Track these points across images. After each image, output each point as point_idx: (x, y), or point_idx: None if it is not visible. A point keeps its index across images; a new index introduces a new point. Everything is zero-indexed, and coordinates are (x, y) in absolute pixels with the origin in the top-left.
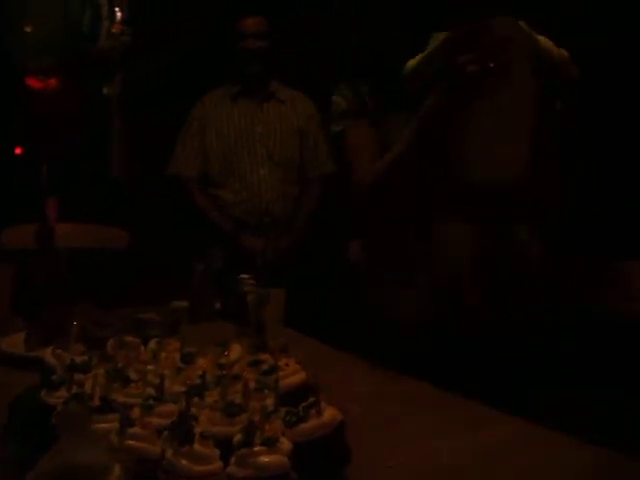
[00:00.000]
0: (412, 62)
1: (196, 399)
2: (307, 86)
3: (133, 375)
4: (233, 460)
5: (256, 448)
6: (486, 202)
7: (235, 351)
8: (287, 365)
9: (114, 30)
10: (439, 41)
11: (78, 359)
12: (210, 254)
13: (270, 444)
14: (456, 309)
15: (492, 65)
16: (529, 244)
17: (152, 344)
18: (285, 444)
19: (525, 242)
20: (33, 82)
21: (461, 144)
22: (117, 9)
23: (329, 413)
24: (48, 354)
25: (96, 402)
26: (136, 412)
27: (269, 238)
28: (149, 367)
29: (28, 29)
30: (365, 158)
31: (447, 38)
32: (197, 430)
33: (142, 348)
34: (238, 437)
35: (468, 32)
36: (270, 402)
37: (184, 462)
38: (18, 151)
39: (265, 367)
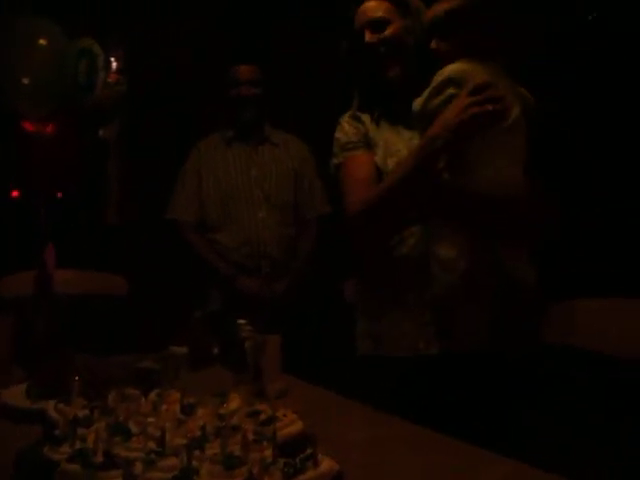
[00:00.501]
0: (419, 100)
1: (197, 452)
2: (301, 129)
3: (134, 428)
4: None
5: None
6: (484, 216)
7: (234, 401)
8: (285, 415)
9: (110, 80)
10: (443, 77)
11: (80, 413)
12: (208, 297)
13: None
14: (452, 324)
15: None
16: (522, 267)
17: (152, 396)
18: None
19: (518, 265)
20: (30, 128)
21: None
22: (113, 59)
23: (326, 464)
24: (51, 408)
25: (99, 458)
26: (138, 467)
27: (267, 280)
28: (150, 419)
29: (26, 80)
30: (361, 188)
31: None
32: None
33: (143, 400)
34: None
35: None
36: (268, 453)
37: None
38: (15, 194)
39: (263, 417)
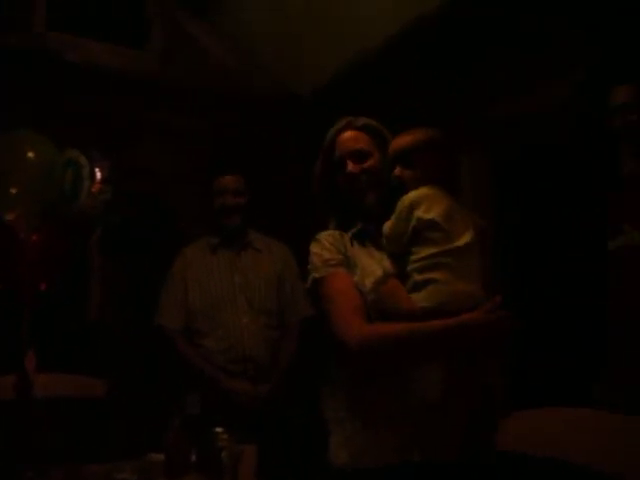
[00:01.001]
0: (388, 224)
1: None
2: (283, 234)
3: None
4: None
5: None
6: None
7: None
8: None
9: (94, 190)
10: (407, 203)
11: None
12: (187, 401)
13: None
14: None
15: None
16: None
17: None
18: None
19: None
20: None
21: None
22: (97, 169)
23: None
24: None
25: None
26: None
27: (252, 383)
28: None
29: (13, 190)
30: (355, 314)
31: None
32: None
33: None
34: None
35: None
36: None
37: None
38: None
39: None
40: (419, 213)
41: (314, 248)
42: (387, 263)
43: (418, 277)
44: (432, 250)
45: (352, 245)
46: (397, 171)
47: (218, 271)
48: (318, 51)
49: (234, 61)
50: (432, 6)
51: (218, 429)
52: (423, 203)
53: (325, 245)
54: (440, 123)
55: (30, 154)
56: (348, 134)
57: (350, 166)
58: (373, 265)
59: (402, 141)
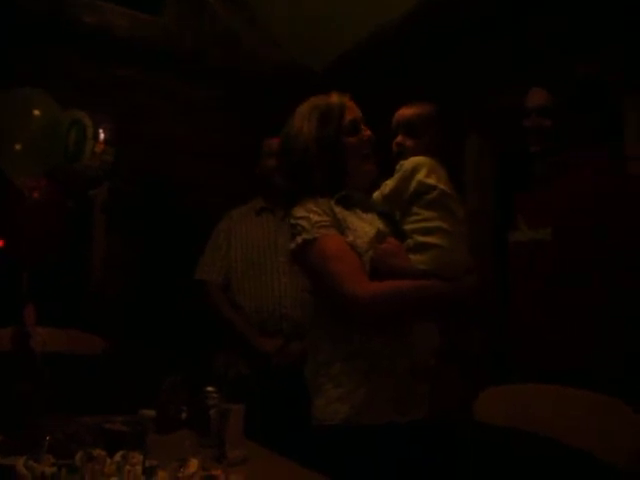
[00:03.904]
0: (390, 183)
1: None
2: None
3: None
4: None
5: None
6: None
7: (191, 466)
8: None
9: (97, 150)
10: (411, 165)
11: (48, 471)
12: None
13: None
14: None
15: None
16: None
17: (117, 457)
18: None
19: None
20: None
21: None
22: (101, 130)
23: None
24: (20, 465)
25: None
26: None
27: (286, 342)
28: (113, 479)
29: (18, 147)
30: (357, 271)
31: None
32: None
33: (108, 460)
34: None
35: None
36: None
37: None
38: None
39: None
40: (420, 176)
41: (299, 212)
42: (379, 223)
43: (420, 239)
44: (434, 214)
45: (337, 209)
46: (399, 139)
47: (262, 232)
48: (332, 27)
49: (249, 33)
50: None
51: (209, 388)
52: (425, 168)
53: (311, 208)
54: (446, 104)
55: (36, 112)
56: (353, 104)
57: (367, 131)
58: (365, 226)
59: (408, 111)
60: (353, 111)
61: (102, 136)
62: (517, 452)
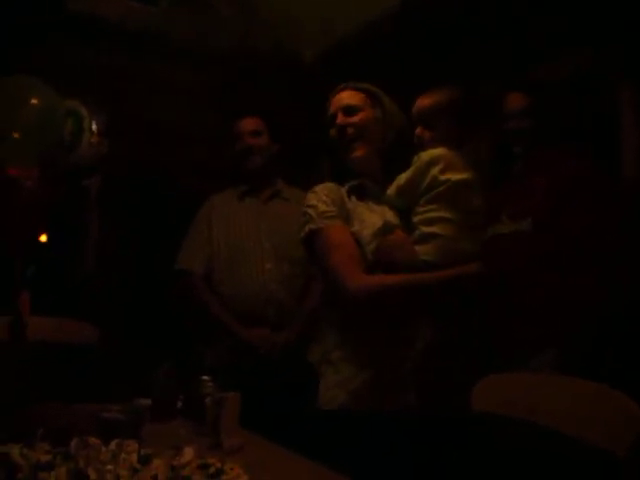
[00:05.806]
0: (404, 176)
1: None
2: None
3: (93, 475)
4: None
5: None
6: None
7: (187, 454)
8: (232, 469)
9: (93, 140)
10: (427, 159)
11: (43, 458)
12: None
13: None
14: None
15: None
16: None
17: (112, 445)
18: None
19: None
20: (13, 173)
21: None
22: (97, 122)
23: None
24: (15, 452)
25: None
26: None
27: (271, 330)
28: (108, 467)
29: (16, 135)
30: (355, 265)
31: None
32: None
33: (103, 448)
34: None
35: None
36: None
37: None
38: None
39: (212, 470)
40: (435, 172)
41: (311, 200)
42: (390, 215)
43: (425, 229)
44: (439, 205)
45: (349, 198)
46: (418, 131)
47: (245, 217)
48: (323, 15)
49: (239, 19)
50: None
51: (205, 377)
52: (440, 162)
53: (321, 197)
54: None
55: (33, 100)
56: (343, 93)
57: (339, 118)
58: (374, 217)
59: (424, 102)
60: (335, 102)
61: (96, 128)
62: (515, 440)
